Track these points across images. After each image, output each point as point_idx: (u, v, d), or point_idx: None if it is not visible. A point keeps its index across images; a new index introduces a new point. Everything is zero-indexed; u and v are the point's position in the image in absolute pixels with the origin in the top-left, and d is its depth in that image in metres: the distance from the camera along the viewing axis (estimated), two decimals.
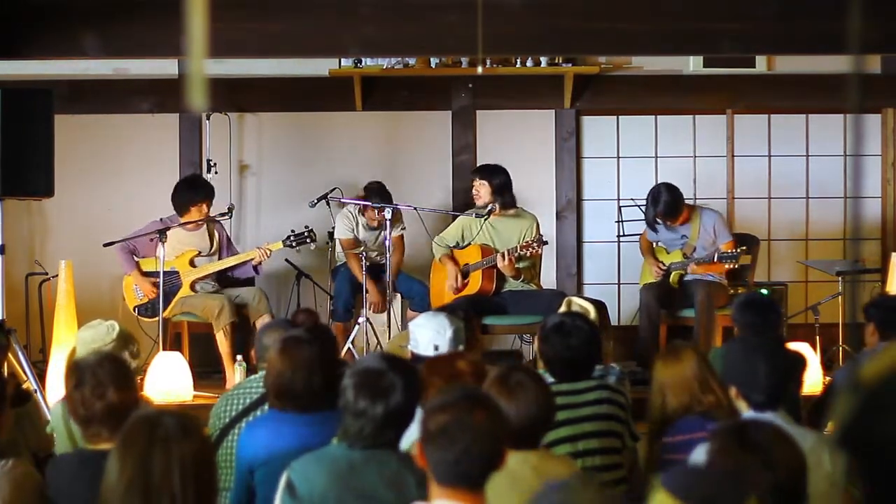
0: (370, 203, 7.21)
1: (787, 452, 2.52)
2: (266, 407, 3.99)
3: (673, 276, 7.14)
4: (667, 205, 7.02)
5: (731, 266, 6.86)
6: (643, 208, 7.84)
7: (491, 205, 7.01)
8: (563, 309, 4.75)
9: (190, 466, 2.49)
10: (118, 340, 4.33)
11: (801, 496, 2.52)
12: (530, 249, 6.77)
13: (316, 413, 3.48)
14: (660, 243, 7.34)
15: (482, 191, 7.01)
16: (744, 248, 7.10)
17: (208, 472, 2.58)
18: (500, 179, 7.01)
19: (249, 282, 7.42)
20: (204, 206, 7.04)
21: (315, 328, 4.37)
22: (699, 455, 2.80)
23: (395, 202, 7.31)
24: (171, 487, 2.47)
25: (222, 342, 6.89)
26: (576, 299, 4.99)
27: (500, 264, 6.79)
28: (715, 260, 6.88)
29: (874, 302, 4.87)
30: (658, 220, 7.12)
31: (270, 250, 7.04)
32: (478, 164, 7.71)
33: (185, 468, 2.48)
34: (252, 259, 7.05)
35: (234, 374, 6.38)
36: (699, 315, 6.91)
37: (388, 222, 6.90)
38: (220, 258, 7.19)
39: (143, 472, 2.48)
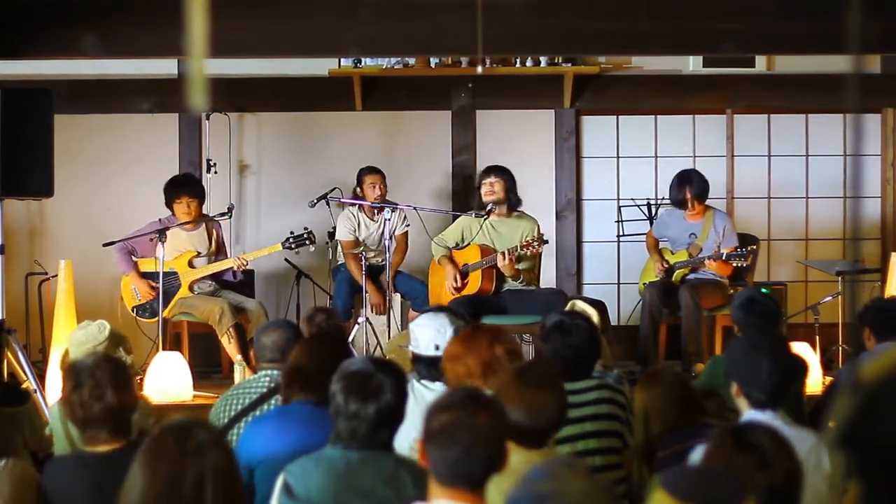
0: (368, 203, 7.24)
1: (782, 455, 2.51)
2: (265, 407, 4.00)
3: (676, 275, 7.13)
4: (699, 185, 7.02)
5: (741, 264, 6.85)
6: (643, 208, 7.85)
7: (491, 205, 7.02)
8: (566, 310, 4.74)
9: (220, 478, 2.45)
10: (110, 339, 4.33)
11: (796, 499, 2.52)
12: (531, 248, 6.77)
13: (322, 407, 3.48)
14: (666, 242, 7.31)
15: (497, 188, 7.01)
16: (753, 246, 7.08)
17: (236, 482, 2.53)
18: (510, 178, 7.04)
19: (250, 293, 7.42)
20: (186, 203, 7.00)
21: (331, 327, 4.46)
22: (698, 455, 2.80)
23: (394, 201, 7.32)
24: (202, 501, 2.42)
25: (228, 346, 6.87)
26: (579, 302, 4.98)
27: (500, 263, 6.79)
28: (724, 259, 6.86)
29: (868, 306, 4.87)
30: (687, 201, 7.06)
31: (247, 259, 7.06)
32: (479, 165, 7.73)
33: (216, 480, 2.44)
34: (231, 266, 7.06)
35: (236, 374, 6.36)
36: (684, 318, 6.90)
37: (386, 222, 6.90)
38: (217, 258, 7.20)
39: (173, 486, 2.42)
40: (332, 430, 3.04)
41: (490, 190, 7.01)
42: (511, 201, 7.05)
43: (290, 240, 7.04)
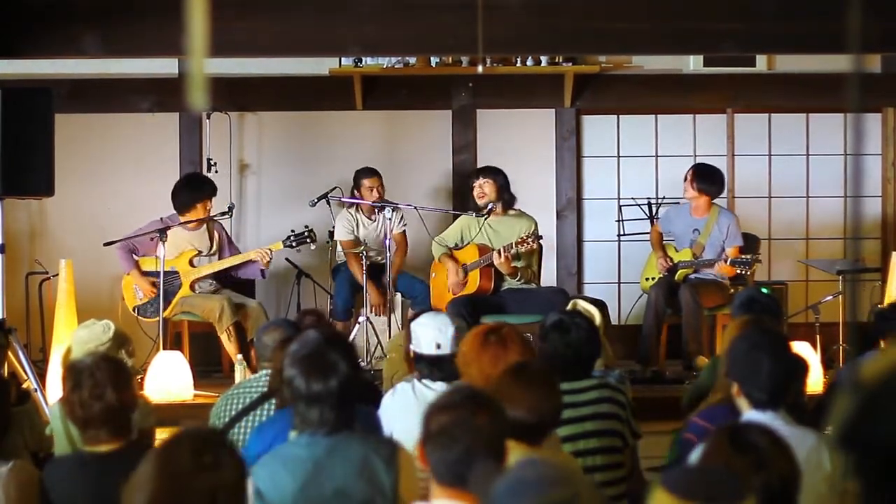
0: (367, 202, 7.25)
1: (780, 457, 2.51)
2: (266, 406, 4.00)
3: (679, 274, 7.13)
4: (708, 180, 7.06)
5: (744, 272, 6.85)
6: (644, 207, 7.85)
7: (491, 204, 7.02)
8: (567, 309, 4.72)
9: (231, 495, 2.37)
10: (114, 340, 4.32)
11: (792, 501, 2.51)
12: (525, 245, 6.76)
13: None
14: (671, 237, 7.32)
15: (487, 188, 7.02)
16: (758, 255, 7.09)
17: (244, 500, 2.45)
18: (502, 178, 7.05)
19: (251, 292, 7.42)
20: (208, 203, 7.06)
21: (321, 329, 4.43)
22: (696, 455, 2.79)
23: (393, 201, 7.32)
24: None
25: (227, 344, 6.88)
26: (581, 302, 4.96)
27: (496, 261, 6.80)
28: (728, 264, 6.86)
29: (881, 313, 4.83)
30: (687, 185, 7.09)
31: (271, 251, 7.06)
32: (479, 165, 7.74)
33: (226, 497, 2.36)
34: (253, 258, 7.06)
35: (236, 373, 6.36)
36: (685, 317, 6.90)
37: (387, 222, 6.90)
38: (220, 258, 7.19)
39: (180, 496, 2.36)
40: (295, 418, 2.99)
41: (481, 192, 7.03)
42: (505, 200, 7.05)
43: (292, 238, 7.06)
